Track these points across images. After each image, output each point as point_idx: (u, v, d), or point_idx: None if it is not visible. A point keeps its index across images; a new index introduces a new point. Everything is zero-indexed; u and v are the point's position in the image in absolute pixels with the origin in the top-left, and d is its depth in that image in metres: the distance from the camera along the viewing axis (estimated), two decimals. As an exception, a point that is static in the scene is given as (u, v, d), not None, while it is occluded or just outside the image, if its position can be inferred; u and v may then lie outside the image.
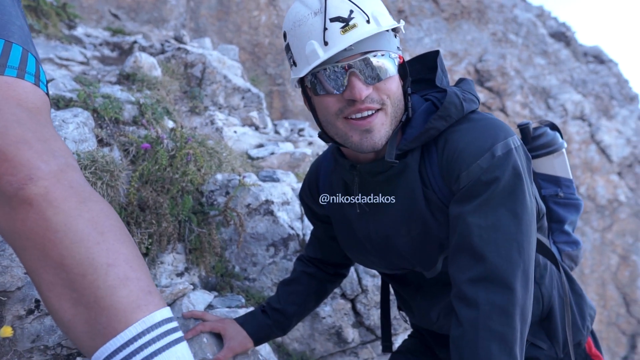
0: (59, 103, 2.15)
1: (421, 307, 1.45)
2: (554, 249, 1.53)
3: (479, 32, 8.01)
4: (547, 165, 1.62)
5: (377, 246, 1.38)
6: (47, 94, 0.98)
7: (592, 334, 1.52)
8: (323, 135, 1.32)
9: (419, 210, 1.25)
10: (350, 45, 1.13)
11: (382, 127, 1.19)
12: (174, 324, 0.88)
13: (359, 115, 1.18)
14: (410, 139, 1.23)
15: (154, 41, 4.18)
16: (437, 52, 1.35)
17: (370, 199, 1.33)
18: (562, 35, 9.59)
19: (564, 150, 1.64)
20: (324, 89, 1.18)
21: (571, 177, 1.65)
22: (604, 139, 8.55)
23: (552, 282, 1.40)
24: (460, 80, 1.35)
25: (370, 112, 1.18)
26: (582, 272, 7.84)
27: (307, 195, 1.62)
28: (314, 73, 1.18)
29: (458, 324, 1.13)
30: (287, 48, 1.25)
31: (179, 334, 0.88)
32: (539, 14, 10.06)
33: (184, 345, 0.88)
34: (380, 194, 1.31)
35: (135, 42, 3.89)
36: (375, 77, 1.16)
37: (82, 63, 3.45)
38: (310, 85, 1.20)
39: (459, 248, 1.16)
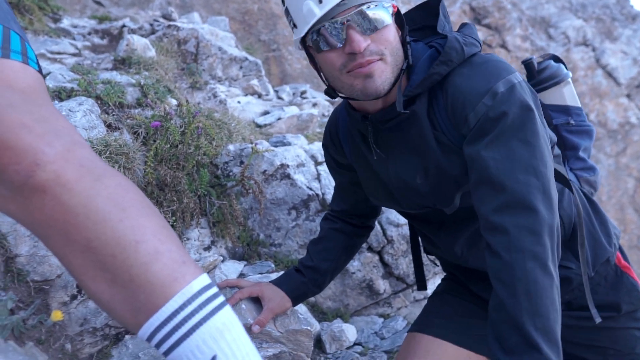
0: (61, 94, 2.13)
1: (445, 242, 1.50)
2: (571, 176, 1.58)
3: (470, -32, 7.75)
4: (556, 95, 1.67)
5: (398, 189, 1.43)
6: (40, 71, 0.92)
7: (621, 249, 1.57)
8: (330, 91, 1.35)
9: (431, 152, 1.30)
10: (343, 0, 1.17)
11: (382, 74, 1.22)
12: (214, 290, 0.86)
13: (361, 70, 1.21)
14: (414, 85, 1.27)
15: (142, 23, 4.09)
16: None
17: (385, 146, 1.38)
18: (556, -39, 9.26)
19: (569, 79, 1.69)
20: (325, 46, 1.22)
21: (580, 105, 1.70)
22: (610, 62, 8.36)
23: (570, 205, 1.44)
24: (462, 26, 1.38)
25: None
26: (600, 199, 7.82)
27: (330, 145, 1.65)
28: (313, 31, 1.22)
29: (491, 252, 1.16)
30: (287, 12, 1.30)
31: (221, 299, 0.86)
32: (529, -59, 9.69)
33: (227, 309, 0.86)
34: (393, 140, 1.36)
35: (123, 26, 3.82)
36: (371, 28, 1.20)
37: (74, 55, 3.40)
38: (312, 44, 1.25)
39: (478, 182, 1.20)
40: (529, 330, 1.06)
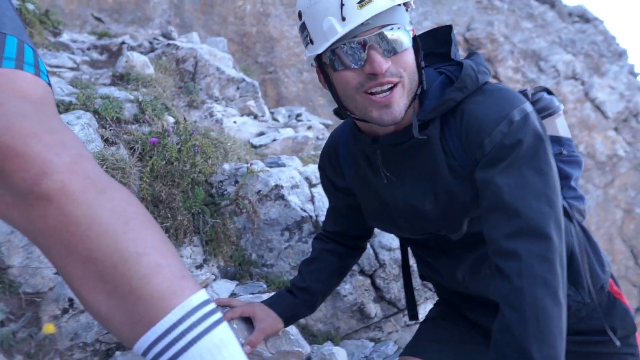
0: (60, 107, 2.13)
1: (447, 268, 1.49)
2: (564, 204, 1.58)
3: (464, 1, 7.96)
4: (549, 126, 1.72)
5: (404, 213, 1.42)
6: (49, 84, 0.94)
7: (612, 276, 1.59)
8: (340, 111, 1.35)
9: (443, 178, 1.30)
10: (367, 20, 1.16)
11: (400, 101, 1.22)
12: (212, 306, 0.86)
13: (379, 89, 1.21)
14: (428, 110, 1.28)
15: (141, 40, 4.14)
16: (449, 27, 1.40)
17: (394, 170, 1.38)
18: (547, -3, 9.55)
19: (561, 111, 1.72)
20: (342, 64, 1.21)
21: (570, 136, 1.74)
22: (598, 96, 8.56)
23: (569, 232, 1.46)
24: (471, 54, 1.40)
25: (389, 86, 1.21)
26: (589, 229, 7.87)
27: (328, 167, 1.64)
28: (332, 49, 1.20)
29: (502, 276, 1.16)
30: (303, 27, 1.27)
31: (219, 315, 0.86)
32: (521, -22, 9.99)
33: (224, 326, 0.86)
34: (402, 164, 1.36)
35: (123, 42, 3.85)
36: (392, 50, 1.19)
37: (72, 69, 3.41)
38: (329, 62, 1.23)
39: (491, 208, 1.21)
40: (535, 357, 1.06)
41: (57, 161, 0.77)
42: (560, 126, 1.69)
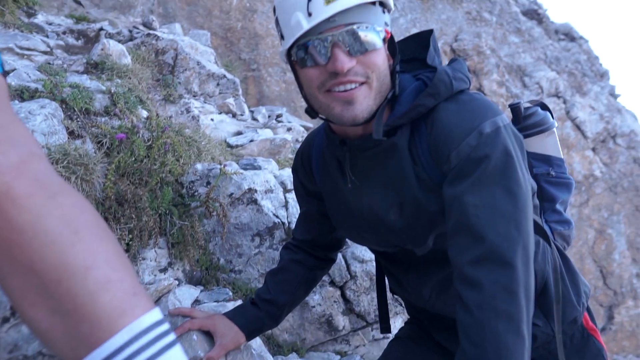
0: (24, 94, 2.02)
1: (413, 284, 1.44)
2: (546, 228, 1.53)
3: (454, 11, 7.98)
4: (539, 144, 1.64)
5: (370, 222, 1.36)
6: (3, 74, 0.85)
7: (588, 309, 1.53)
8: (310, 110, 1.30)
9: (409, 187, 1.24)
10: (334, 17, 1.12)
11: (364, 100, 1.17)
12: (165, 327, 0.80)
13: (341, 89, 1.16)
14: (398, 115, 1.22)
15: (121, 28, 4.00)
16: (430, 31, 1.34)
17: (361, 175, 1.32)
18: (534, 13, 9.65)
19: (554, 129, 1.65)
20: (308, 61, 1.17)
21: (562, 156, 1.66)
22: (579, 115, 8.69)
23: (545, 258, 1.40)
24: (453, 60, 1.34)
25: (353, 86, 1.16)
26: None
27: (300, 169, 1.58)
28: (299, 45, 1.17)
29: (463, 307, 1.10)
30: (277, 22, 1.25)
31: (171, 337, 0.80)
32: (511, -8, 10.09)
33: (177, 349, 0.80)
34: (371, 170, 1.30)
35: (101, 29, 3.72)
36: (360, 50, 1.15)
37: (45, 52, 3.27)
38: (296, 58, 1.20)
39: (457, 229, 1.14)
40: None
41: (3, 161, 0.70)
42: (551, 144, 1.62)
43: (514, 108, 1.63)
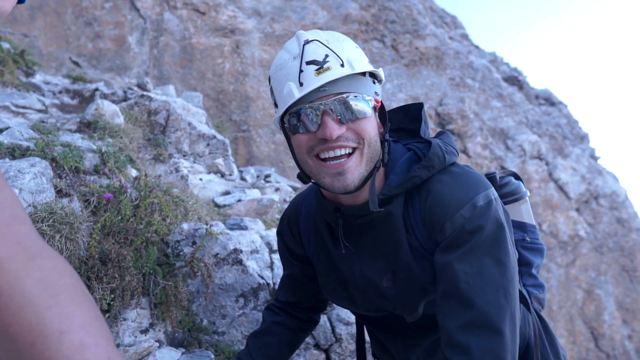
0: (15, 152, 2.05)
1: (401, 351, 1.44)
2: (524, 292, 1.56)
3: (438, 77, 8.32)
4: (514, 211, 1.71)
5: (360, 288, 1.39)
6: None
7: None
8: (302, 175, 1.34)
9: (403, 255, 1.28)
10: (324, 86, 1.19)
11: (356, 169, 1.22)
12: None
13: (331, 154, 1.22)
14: (393, 185, 1.27)
15: (116, 89, 4.12)
16: (421, 105, 1.43)
17: (354, 241, 1.35)
18: (515, 80, 10.09)
19: (527, 197, 1.73)
20: (300, 128, 1.23)
21: (534, 223, 1.74)
22: (561, 177, 8.89)
23: (525, 322, 1.43)
24: (441, 133, 1.42)
25: (343, 152, 1.22)
26: (551, 308, 7.95)
27: (287, 233, 1.61)
28: (291, 113, 1.23)
29: None
30: (271, 91, 1.33)
31: None
32: (492, 59, 10.59)
33: None
34: (364, 236, 1.34)
35: (96, 89, 3.83)
36: (350, 117, 1.21)
37: (40, 111, 3.35)
38: (289, 125, 1.26)
39: (446, 295, 1.18)
40: None
41: None
42: (525, 212, 1.69)
43: (490, 177, 1.70)
